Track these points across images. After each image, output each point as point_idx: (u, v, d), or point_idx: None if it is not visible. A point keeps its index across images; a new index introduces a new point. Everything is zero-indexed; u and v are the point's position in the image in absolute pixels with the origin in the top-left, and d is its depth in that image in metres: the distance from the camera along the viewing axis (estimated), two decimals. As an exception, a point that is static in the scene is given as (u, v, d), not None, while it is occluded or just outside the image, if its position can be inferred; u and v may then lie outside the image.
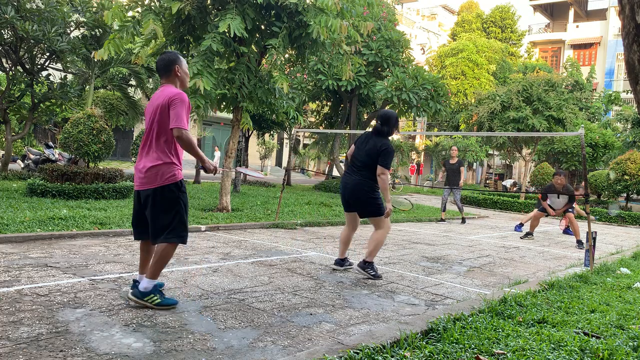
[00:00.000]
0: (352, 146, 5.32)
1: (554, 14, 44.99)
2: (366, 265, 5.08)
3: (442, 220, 12.06)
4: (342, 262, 5.43)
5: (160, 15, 8.30)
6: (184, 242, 3.65)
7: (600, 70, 38.42)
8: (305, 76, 16.61)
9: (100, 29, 12.60)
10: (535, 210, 10.11)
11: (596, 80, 36.93)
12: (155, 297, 3.57)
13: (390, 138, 5.26)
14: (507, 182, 26.31)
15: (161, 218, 3.57)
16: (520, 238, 9.72)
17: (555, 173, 9.77)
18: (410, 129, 37.10)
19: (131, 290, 3.62)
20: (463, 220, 12.08)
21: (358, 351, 2.77)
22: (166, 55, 3.74)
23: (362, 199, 5.10)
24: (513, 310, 3.84)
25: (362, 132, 12.81)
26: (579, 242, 8.91)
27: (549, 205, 9.83)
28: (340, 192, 5.33)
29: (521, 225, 11.09)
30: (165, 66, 3.70)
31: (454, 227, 10.85)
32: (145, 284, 3.57)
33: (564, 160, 22.49)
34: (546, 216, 9.99)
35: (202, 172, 18.07)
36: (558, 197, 9.67)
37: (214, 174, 3.82)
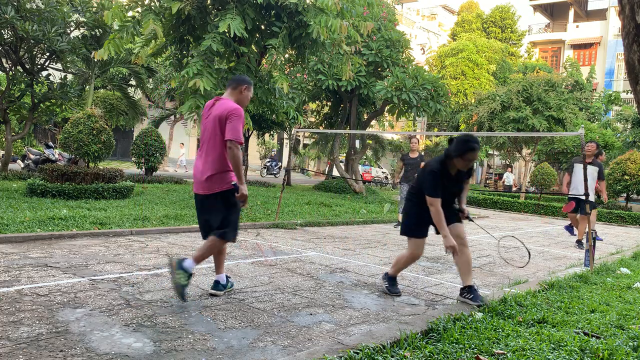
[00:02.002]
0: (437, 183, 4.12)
1: (554, 14, 44.99)
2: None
3: (399, 223, 9.62)
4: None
5: (160, 15, 8.30)
6: (233, 241, 4.14)
7: (600, 70, 38.43)
8: (305, 76, 16.60)
9: (100, 29, 12.60)
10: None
11: (596, 80, 36.94)
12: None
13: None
14: (508, 179, 26.12)
15: (219, 217, 3.99)
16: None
17: (590, 140, 8.89)
18: (410, 129, 37.11)
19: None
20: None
21: (358, 351, 2.77)
22: (243, 76, 4.25)
23: None
24: (513, 310, 3.84)
25: (362, 132, 12.84)
26: (579, 242, 8.76)
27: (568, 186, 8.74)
28: None
29: (571, 227, 9.68)
30: (236, 81, 4.13)
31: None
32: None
33: (564, 160, 22.50)
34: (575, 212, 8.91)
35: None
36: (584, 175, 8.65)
37: (242, 205, 4.14)
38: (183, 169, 26.41)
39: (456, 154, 4.02)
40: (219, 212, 3.99)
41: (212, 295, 4.05)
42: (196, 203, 4.14)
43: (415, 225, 4.39)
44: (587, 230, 6.31)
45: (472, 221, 4.37)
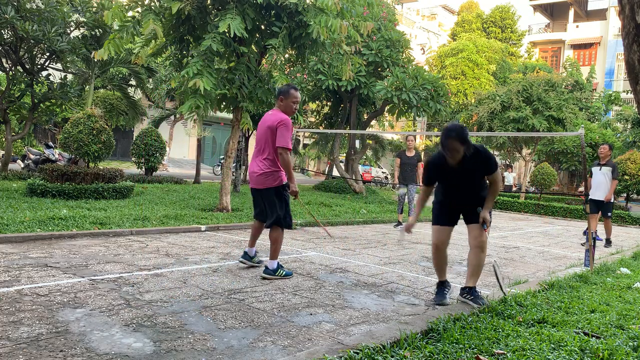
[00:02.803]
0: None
1: (554, 14, 44.99)
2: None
3: (399, 223, 10.15)
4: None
5: (160, 15, 8.29)
6: (289, 227, 4.89)
7: (600, 70, 38.42)
8: (305, 76, 16.60)
9: (100, 29, 12.59)
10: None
11: (596, 80, 36.92)
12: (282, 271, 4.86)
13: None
14: (508, 179, 26.09)
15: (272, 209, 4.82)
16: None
17: (603, 142, 9.36)
18: (410, 129, 37.09)
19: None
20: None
21: (358, 351, 2.77)
22: (280, 87, 4.96)
23: None
24: (513, 310, 3.84)
25: (362, 132, 12.83)
26: (608, 241, 9.26)
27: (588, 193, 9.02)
28: None
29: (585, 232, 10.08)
30: (275, 96, 4.99)
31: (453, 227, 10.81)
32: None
33: (564, 160, 22.49)
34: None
35: (202, 173, 18.11)
36: (602, 176, 8.98)
37: (294, 198, 4.94)
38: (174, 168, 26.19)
39: (440, 145, 4.09)
40: (272, 204, 4.80)
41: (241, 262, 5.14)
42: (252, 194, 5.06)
43: (435, 215, 4.53)
44: (587, 229, 6.30)
45: (484, 229, 4.26)
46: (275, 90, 9.30)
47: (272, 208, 4.79)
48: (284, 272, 4.84)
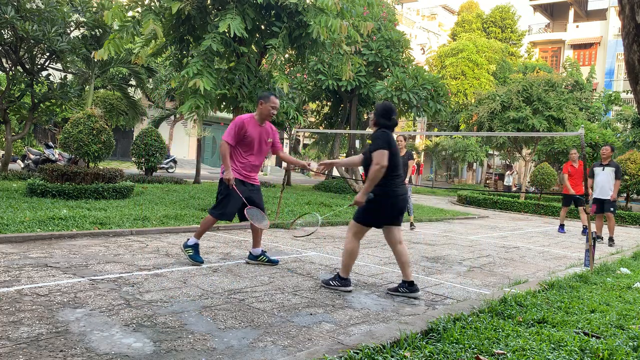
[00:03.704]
0: (387, 152, 4.30)
1: (554, 14, 44.99)
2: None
3: None
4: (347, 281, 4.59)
5: (160, 15, 8.30)
6: (216, 217, 5.24)
7: (600, 70, 38.42)
8: (305, 76, 16.60)
9: (100, 29, 12.59)
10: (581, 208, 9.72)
11: (596, 80, 36.92)
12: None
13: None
14: (508, 179, 26.21)
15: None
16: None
17: (605, 144, 9.75)
18: (410, 129, 37.10)
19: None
20: (412, 225, 10.01)
21: (358, 351, 2.77)
22: (262, 93, 5.50)
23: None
24: (513, 310, 3.84)
25: (362, 132, 12.87)
26: (610, 239, 9.42)
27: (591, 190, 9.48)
28: (395, 210, 4.42)
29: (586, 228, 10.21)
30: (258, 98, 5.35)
31: (454, 227, 10.84)
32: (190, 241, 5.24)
33: (564, 160, 22.44)
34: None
35: (202, 173, 18.12)
36: (605, 176, 9.38)
37: (229, 187, 5.11)
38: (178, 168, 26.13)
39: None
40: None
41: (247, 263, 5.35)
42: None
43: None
44: (589, 228, 6.30)
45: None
46: (276, 90, 9.32)
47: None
48: (192, 254, 5.14)
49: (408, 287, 4.47)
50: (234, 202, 5.10)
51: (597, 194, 9.54)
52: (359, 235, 4.50)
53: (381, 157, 4.26)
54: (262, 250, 5.41)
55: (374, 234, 8.79)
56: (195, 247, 5.17)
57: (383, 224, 4.49)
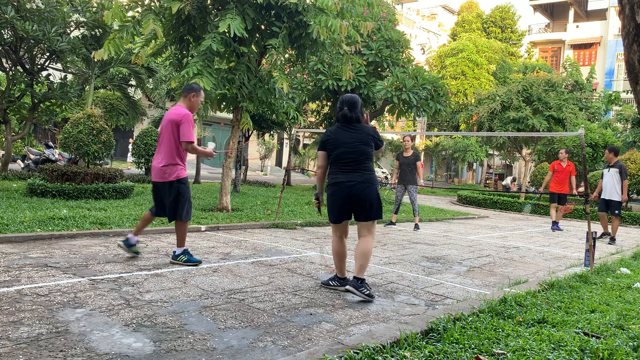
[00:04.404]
0: (321, 154, 4.50)
1: (554, 14, 44.99)
2: (361, 283, 4.27)
3: (391, 223, 10.12)
4: (345, 281, 4.57)
5: (160, 15, 8.29)
6: (188, 219, 5.17)
7: (600, 70, 38.41)
8: (305, 76, 16.60)
9: (100, 29, 12.60)
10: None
11: (596, 80, 36.91)
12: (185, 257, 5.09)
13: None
14: (507, 180, 26.35)
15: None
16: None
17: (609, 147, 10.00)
18: (410, 129, 37.11)
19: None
20: (416, 227, 9.91)
21: (358, 351, 2.77)
22: (191, 84, 5.20)
23: (373, 199, 4.32)
24: (513, 310, 3.84)
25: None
26: (612, 239, 9.67)
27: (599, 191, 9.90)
28: (339, 198, 4.32)
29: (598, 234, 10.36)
30: (184, 90, 5.13)
31: (454, 227, 10.84)
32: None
33: (564, 160, 22.47)
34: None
35: (202, 173, 18.10)
36: (610, 177, 9.69)
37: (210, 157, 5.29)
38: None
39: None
40: (172, 197, 5.04)
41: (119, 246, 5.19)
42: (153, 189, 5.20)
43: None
44: (587, 230, 6.30)
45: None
46: (276, 90, 9.32)
47: (172, 202, 5.02)
48: (187, 258, 5.06)
49: (339, 280, 4.56)
50: None
51: (603, 195, 9.93)
52: (336, 232, 4.50)
53: (318, 159, 4.58)
54: (137, 240, 5.27)
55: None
56: (185, 252, 5.11)
57: (341, 216, 4.37)
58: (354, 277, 4.29)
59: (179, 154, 5.00)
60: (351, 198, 4.28)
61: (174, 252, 5.15)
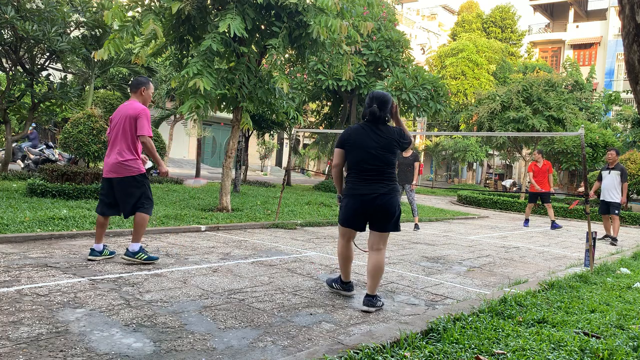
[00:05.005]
0: (338, 151, 4.14)
1: (554, 14, 44.99)
2: (375, 298, 4.03)
3: None
4: (349, 285, 4.42)
5: (160, 15, 8.29)
6: (149, 213, 5.04)
7: (600, 70, 38.41)
8: (305, 76, 16.60)
9: (100, 29, 12.60)
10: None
11: (596, 80, 36.90)
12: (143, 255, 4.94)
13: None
14: (507, 182, 26.43)
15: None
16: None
17: (611, 148, 10.05)
18: (410, 129, 37.07)
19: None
20: (416, 227, 9.91)
21: (358, 351, 2.77)
22: (140, 78, 5.15)
23: (396, 211, 4.05)
24: (513, 310, 3.84)
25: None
26: (613, 239, 9.69)
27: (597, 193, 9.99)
28: (360, 208, 4.02)
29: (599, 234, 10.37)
30: (134, 85, 5.09)
31: (454, 227, 10.84)
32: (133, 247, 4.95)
33: (564, 160, 22.47)
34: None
35: (202, 173, 18.09)
36: (611, 179, 9.74)
37: (165, 177, 5.07)
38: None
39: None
40: (129, 193, 4.97)
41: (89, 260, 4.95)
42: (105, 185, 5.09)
43: None
44: (587, 230, 6.30)
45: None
46: (276, 90, 9.31)
47: (129, 197, 4.94)
48: (146, 256, 4.93)
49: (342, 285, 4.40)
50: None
51: (603, 197, 9.93)
52: (344, 236, 4.23)
53: (334, 157, 4.19)
54: (104, 245, 5.10)
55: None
56: (142, 249, 4.97)
57: (355, 226, 4.12)
58: (368, 295, 4.01)
59: (136, 148, 4.98)
60: (372, 209, 3.98)
61: (128, 248, 4.96)
